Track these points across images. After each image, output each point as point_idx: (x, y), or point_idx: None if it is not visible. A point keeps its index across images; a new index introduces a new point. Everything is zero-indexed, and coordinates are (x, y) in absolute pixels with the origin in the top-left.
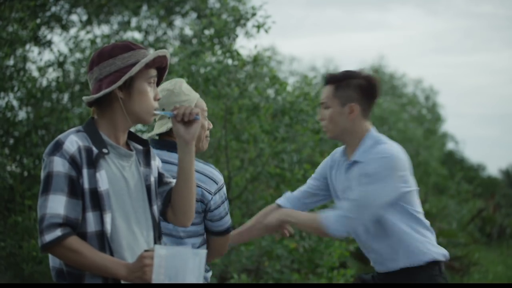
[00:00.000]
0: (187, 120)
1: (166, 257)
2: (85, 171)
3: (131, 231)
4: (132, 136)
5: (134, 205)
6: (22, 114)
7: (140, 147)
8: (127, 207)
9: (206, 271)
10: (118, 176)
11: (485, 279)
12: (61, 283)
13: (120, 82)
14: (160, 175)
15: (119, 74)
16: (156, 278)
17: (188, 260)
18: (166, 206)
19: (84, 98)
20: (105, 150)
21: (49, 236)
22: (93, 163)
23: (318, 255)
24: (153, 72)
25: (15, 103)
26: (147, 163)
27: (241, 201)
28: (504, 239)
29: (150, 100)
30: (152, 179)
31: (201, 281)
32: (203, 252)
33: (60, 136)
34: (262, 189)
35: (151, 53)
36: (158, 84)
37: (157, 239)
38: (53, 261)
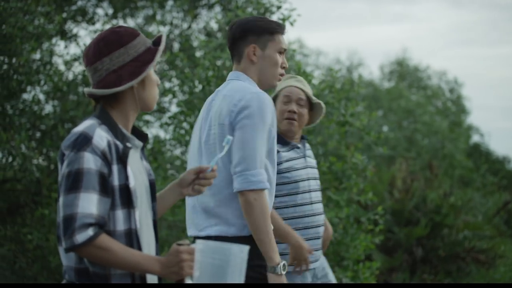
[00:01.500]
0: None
1: (206, 252)
2: (115, 167)
3: (149, 227)
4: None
5: (148, 200)
6: (48, 108)
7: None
8: (145, 202)
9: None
10: (138, 170)
11: (511, 271)
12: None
13: (143, 74)
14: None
15: (136, 64)
16: (197, 274)
17: (230, 256)
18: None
19: (96, 91)
20: (129, 145)
21: (81, 237)
22: (121, 158)
23: (344, 248)
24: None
25: (41, 96)
26: (145, 157)
27: None
28: None
29: (156, 87)
30: (152, 173)
31: (242, 280)
32: (246, 248)
33: (85, 129)
34: None
35: (161, 38)
36: None
37: (157, 235)
38: (68, 260)
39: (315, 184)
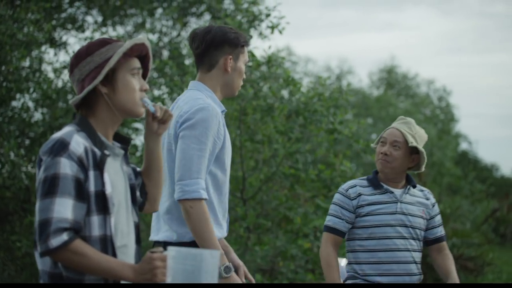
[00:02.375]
0: (164, 120)
1: (178, 259)
2: (91, 173)
3: (126, 232)
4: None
5: (127, 204)
6: (37, 115)
7: (118, 144)
8: (122, 208)
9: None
10: (116, 177)
11: (499, 279)
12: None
13: (100, 77)
14: (133, 168)
15: (99, 70)
16: (170, 280)
17: (202, 262)
18: (145, 196)
19: (71, 101)
20: (107, 152)
21: (56, 241)
22: (98, 165)
23: None
24: (135, 63)
25: (30, 104)
26: (127, 162)
27: (256, 202)
28: None
29: (135, 92)
30: (133, 178)
31: (215, 282)
32: (217, 253)
33: (63, 135)
34: (276, 190)
35: (126, 43)
36: (145, 75)
37: (138, 239)
38: (43, 265)
39: (406, 232)
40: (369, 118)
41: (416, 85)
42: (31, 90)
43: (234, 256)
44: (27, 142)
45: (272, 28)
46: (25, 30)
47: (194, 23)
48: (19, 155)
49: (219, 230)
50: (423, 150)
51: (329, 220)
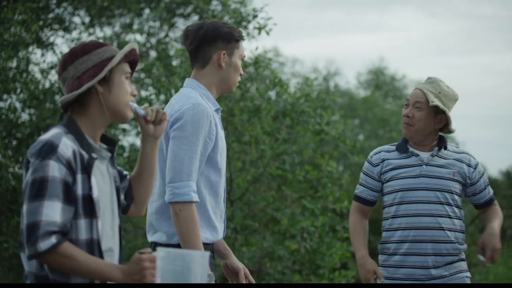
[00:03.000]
0: (158, 121)
1: (168, 259)
2: (79, 177)
3: (111, 235)
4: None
5: (112, 207)
6: (25, 116)
7: (105, 146)
8: (108, 211)
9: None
10: (102, 180)
11: (486, 280)
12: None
13: (102, 74)
14: (119, 170)
15: (98, 68)
16: (160, 281)
17: (191, 263)
18: (131, 201)
19: (62, 98)
20: (94, 155)
21: (44, 244)
22: (85, 169)
23: (320, 256)
24: (128, 67)
25: (18, 105)
26: (113, 164)
27: (243, 203)
28: (504, 240)
29: (128, 94)
30: (118, 180)
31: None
32: (207, 253)
33: (51, 138)
34: (263, 191)
35: (127, 46)
36: None
37: (122, 240)
38: (29, 266)
39: (433, 196)
40: (356, 119)
41: (403, 86)
42: (18, 90)
43: (234, 259)
44: (14, 142)
45: (259, 29)
46: (12, 30)
47: (181, 24)
48: (6, 156)
49: (212, 232)
50: (445, 108)
51: (357, 188)
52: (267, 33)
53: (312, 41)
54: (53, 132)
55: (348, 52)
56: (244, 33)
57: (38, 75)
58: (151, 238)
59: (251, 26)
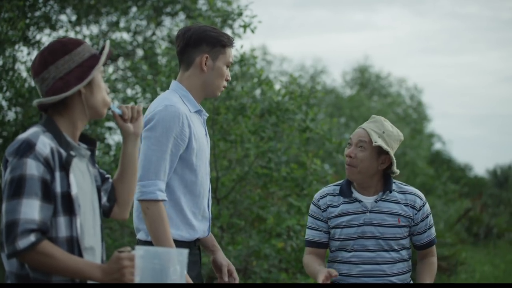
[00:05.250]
0: (135, 118)
1: (147, 258)
2: (57, 174)
3: (92, 234)
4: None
5: (93, 206)
6: (11, 114)
7: (85, 145)
8: (89, 209)
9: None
10: (82, 178)
11: (472, 278)
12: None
13: (90, 77)
14: (101, 172)
15: (81, 69)
16: (139, 280)
17: (170, 261)
18: (113, 203)
19: (46, 99)
20: (72, 153)
21: (23, 243)
22: (64, 166)
23: None
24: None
25: (4, 103)
26: (93, 163)
27: (229, 201)
28: (491, 238)
29: (105, 93)
30: (99, 180)
31: (183, 281)
32: (185, 251)
33: (28, 136)
34: (249, 189)
35: (106, 46)
36: None
37: (103, 240)
38: (10, 266)
39: (376, 244)
40: (341, 118)
41: (388, 84)
42: (4, 89)
43: (220, 255)
44: (0, 141)
45: (245, 27)
46: None
47: (168, 23)
48: None
49: (189, 231)
50: (389, 149)
51: (307, 234)
52: (252, 31)
53: (299, 40)
54: (31, 131)
55: (334, 51)
56: (229, 32)
57: (24, 74)
58: (137, 236)
59: (236, 24)
